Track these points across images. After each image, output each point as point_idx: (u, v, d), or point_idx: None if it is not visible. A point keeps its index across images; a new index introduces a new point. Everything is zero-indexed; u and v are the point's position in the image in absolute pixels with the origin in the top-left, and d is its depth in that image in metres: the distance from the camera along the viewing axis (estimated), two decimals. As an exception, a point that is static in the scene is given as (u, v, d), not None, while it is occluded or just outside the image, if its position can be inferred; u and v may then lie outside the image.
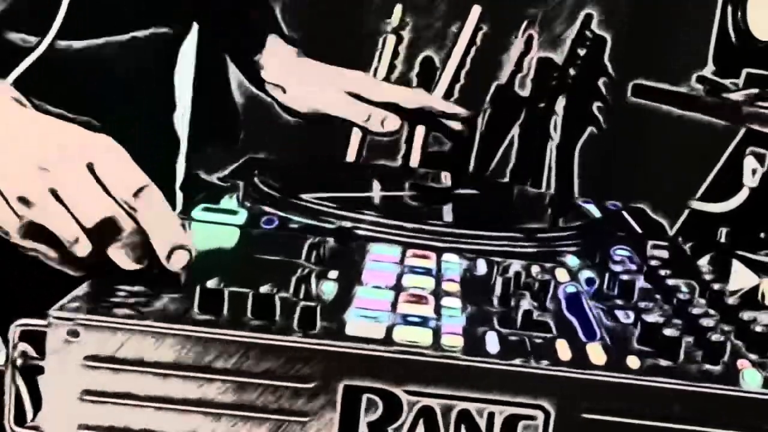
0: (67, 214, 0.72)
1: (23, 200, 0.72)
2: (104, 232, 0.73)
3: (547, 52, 1.54)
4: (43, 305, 0.68)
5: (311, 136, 1.46)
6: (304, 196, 0.98)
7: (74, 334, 0.67)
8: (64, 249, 0.73)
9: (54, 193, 0.72)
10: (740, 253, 1.20)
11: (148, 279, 0.74)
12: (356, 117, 1.22)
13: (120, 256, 0.74)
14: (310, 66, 1.26)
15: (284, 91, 1.24)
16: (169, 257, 0.74)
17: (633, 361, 0.70)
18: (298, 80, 1.25)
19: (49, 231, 0.72)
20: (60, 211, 0.72)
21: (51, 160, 0.72)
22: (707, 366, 0.71)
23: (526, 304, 0.77)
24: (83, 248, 0.72)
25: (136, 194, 0.73)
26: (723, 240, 1.23)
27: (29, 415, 0.68)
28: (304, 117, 1.25)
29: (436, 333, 0.71)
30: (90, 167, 0.73)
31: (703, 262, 1.13)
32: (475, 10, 1.47)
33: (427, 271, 0.85)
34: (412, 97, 1.26)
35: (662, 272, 0.88)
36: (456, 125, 1.27)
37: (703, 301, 0.83)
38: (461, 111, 1.28)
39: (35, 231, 0.73)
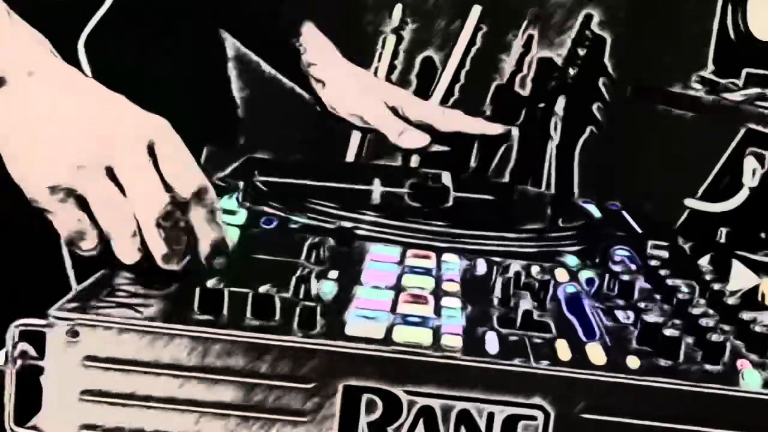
0: (119, 194, 0.71)
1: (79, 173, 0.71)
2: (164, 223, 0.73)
3: (547, 52, 1.54)
4: (43, 305, 0.68)
5: (311, 136, 1.46)
6: (304, 196, 0.98)
7: (74, 334, 0.67)
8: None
9: (110, 171, 0.71)
10: (740, 253, 1.20)
11: (147, 276, 0.74)
12: (390, 131, 1.20)
13: (157, 242, 0.73)
14: (350, 68, 1.25)
15: (324, 86, 1.23)
16: (207, 259, 0.75)
17: (633, 361, 0.70)
18: (339, 80, 1.23)
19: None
20: (113, 191, 0.71)
21: (110, 138, 0.72)
22: (707, 366, 0.71)
23: (526, 304, 0.77)
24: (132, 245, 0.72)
25: (195, 194, 0.73)
26: (723, 240, 1.23)
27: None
28: (338, 119, 1.24)
29: (436, 333, 0.71)
30: (150, 149, 0.72)
31: (703, 262, 1.13)
32: (475, 10, 1.47)
33: (427, 271, 0.85)
34: (448, 120, 1.23)
35: (662, 272, 0.88)
36: (496, 129, 1.24)
37: (703, 301, 0.83)
38: (496, 130, 1.25)
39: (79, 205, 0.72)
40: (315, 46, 1.24)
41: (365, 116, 1.21)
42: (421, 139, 1.20)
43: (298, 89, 1.32)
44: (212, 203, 0.75)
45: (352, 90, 1.23)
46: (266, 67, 1.51)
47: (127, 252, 0.73)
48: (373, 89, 1.23)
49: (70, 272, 0.92)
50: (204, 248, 0.75)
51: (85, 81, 0.78)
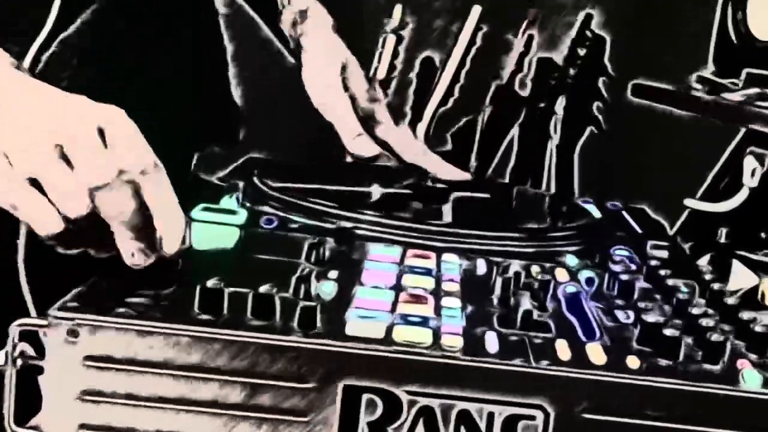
0: (69, 170, 0.72)
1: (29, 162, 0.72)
2: (104, 197, 0.72)
3: (547, 52, 1.54)
4: (43, 305, 0.68)
5: (311, 135, 1.46)
6: (304, 196, 0.98)
7: (74, 334, 0.67)
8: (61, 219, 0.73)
9: (60, 150, 0.72)
10: (740, 253, 1.20)
11: (146, 273, 0.74)
12: (345, 132, 1.17)
13: (118, 226, 0.74)
14: (338, 53, 1.22)
15: (303, 64, 1.20)
16: (163, 240, 0.75)
17: (633, 361, 0.70)
18: (319, 62, 1.20)
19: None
20: (62, 168, 0.72)
21: (61, 121, 0.72)
22: (707, 366, 0.71)
23: (526, 304, 0.77)
24: (81, 205, 0.72)
25: (143, 168, 0.73)
26: (723, 240, 1.23)
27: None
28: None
29: (436, 333, 0.71)
30: (101, 131, 0.73)
31: (703, 262, 1.13)
32: (475, 10, 1.47)
33: (427, 271, 0.85)
34: (412, 151, 1.19)
35: (662, 272, 0.88)
36: (458, 175, 1.19)
37: (702, 301, 0.83)
38: (459, 177, 1.19)
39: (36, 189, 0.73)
40: (312, 20, 1.22)
41: (326, 109, 1.19)
42: (372, 149, 1.17)
43: (298, 89, 1.32)
44: (164, 184, 0.75)
45: (327, 78, 1.20)
46: (265, 68, 1.51)
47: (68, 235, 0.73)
48: (355, 89, 1.21)
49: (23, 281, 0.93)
50: (160, 230, 0.75)
51: (36, 84, 0.78)
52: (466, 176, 1.19)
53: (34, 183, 0.72)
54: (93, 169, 0.72)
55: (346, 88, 1.18)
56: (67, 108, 0.75)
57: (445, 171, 1.18)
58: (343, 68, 1.20)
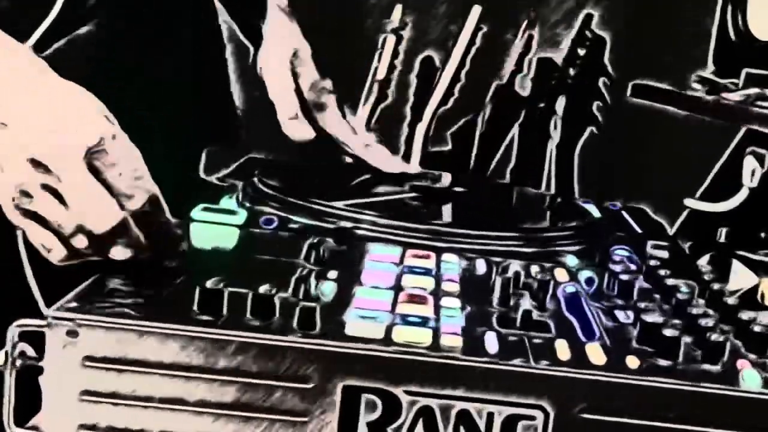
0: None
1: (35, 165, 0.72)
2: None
3: (547, 52, 1.54)
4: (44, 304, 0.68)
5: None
6: (303, 196, 0.98)
7: (74, 334, 0.67)
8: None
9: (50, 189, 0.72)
10: (740, 253, 1.20)
11: (147, 273, 0.75)
12: (283, 112, 1.17)
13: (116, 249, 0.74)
14: (293, 40, 1.22)
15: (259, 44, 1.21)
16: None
17: (633, 361, 0.70)
18: (273, 43, 1.20)
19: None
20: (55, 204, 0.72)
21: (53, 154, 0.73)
22: (707, 366, 0.71)
23: (526, 304, 0.77)
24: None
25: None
26: (723, 240, 1.23)
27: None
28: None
29: (436, 333, 0.71)
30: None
31: (703, 262, 1.13)
32: (475, 10, 1.47)
33: (426, 271, 0.85)
34: (353, 143, 1.20)
35: (662, 272, 0.88)
36: (401, 167, 1.19)
37: (702, 301, 0.83)
38: (402, 169, 1.19)
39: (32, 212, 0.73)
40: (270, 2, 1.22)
41: (269, 86, 1.20)
42: (307, 133, 1.18)
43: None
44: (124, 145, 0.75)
45: (275, 58, 1.20)
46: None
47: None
48: (304, 75, 1.21)
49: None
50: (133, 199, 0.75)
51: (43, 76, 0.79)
52: (408, 168, 1.20)
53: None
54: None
55: (294, 74, 1.19)
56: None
57: (389, 164, 1.19)
58: (294, 54, 1.20)
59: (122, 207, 0.74)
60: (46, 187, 0.72)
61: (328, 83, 1.20)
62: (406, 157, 1.35)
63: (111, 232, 0.73)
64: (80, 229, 0.73)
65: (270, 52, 1.20)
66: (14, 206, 0.73)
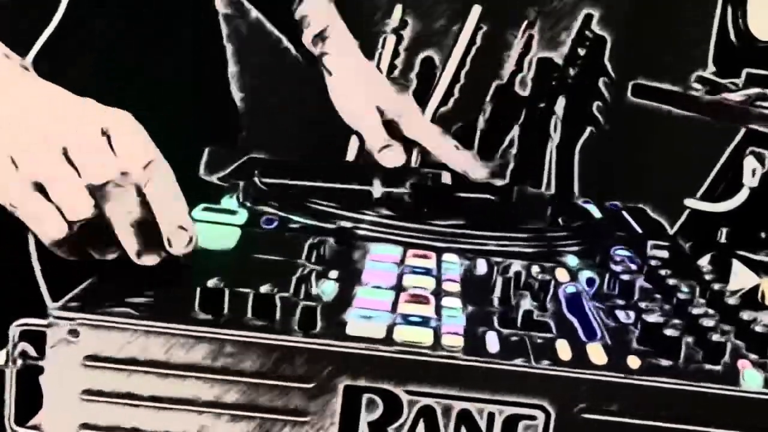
0: (73, 172, 0.72)
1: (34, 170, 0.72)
2: (107, 198, 0.72)
3: (547, 52, 1.54)
4: (43, 305, 0.68)
5: (311, 136, 1.46)
6: (304, 196, 0.98)
7: (74, 333, 0.67)
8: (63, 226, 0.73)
9: (64, 152, 0.72)
10: (740, 253, 1.20)
11: (148, 273, 0.74)
12: (374, 144, 1.18)
13: (122, 227, 0.74)
14: (361, 64, 1.23)
15: (330, 75, 1.21)
16: (170, 239, 0.75)
17: (633, 361, 0.70)
18: (345, 73, 1.22)
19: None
20: (67, 170, 0.72)
21: (63, 121, 0.72)
22: (707, 366, 0.71)
23: (527, 304, 0.77)
24: (85, 206, 0.72)
25: (145, 167, 0.73)
26: (723, 240, 1.23)
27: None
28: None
29: (437, 333, 0.71)
30: (105, 133, 0.73)
31: (703, 262, 1.13)
32: (475, 10, 1.48)
33: (427, 271, 0.85)
34: (438, 149, 1.20)
35: (662, 272, 0.88)
36: (481, 173, 1.18)
37: (703, 301, 0.83)
38: (481, 174, 1.19)
39: (41, 193, 0.73)
40: (334, 34, 1.23)
41: (354, 121, 1.20)
42: (401, 159, 1.18)
43: (298, 89, 1.32)
44: (166, 178, 0.75)
45: (353, 88, 1.22)
46: (266, 68, 1.51)
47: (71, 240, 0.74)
48: (375, 94, 1.22)
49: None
50: (164, 226, 0.75)
51: (43, 85, 0.78)
52: (488, 174, 1.20)
53: (40, 189, 0.72)
54: (95, 170, 0.72)
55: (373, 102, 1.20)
56: (73, 110, 0.75)
57: (475, 171, 1.18)
58: (366, 76, 1.22)
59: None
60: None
61: (396, 101, 1.21)
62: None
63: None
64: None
65: (348, 92, 1.21)
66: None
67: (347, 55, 1.22)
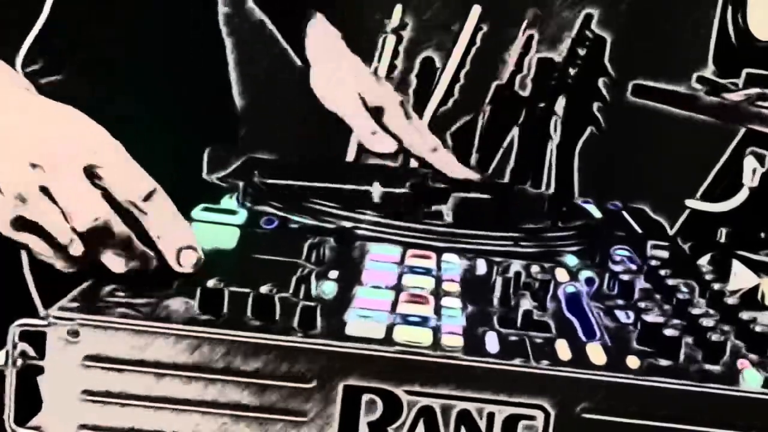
0: (60, 215, 0.72)
1: (18, 195, 0.72)
2: (98, 235, 0.73)
3: (547, 52, 1.54)
4: (43, 305, 0.68)
5: (311, 136, 1.46)
6: (304, 196, 0.98)
7: (74, 334, 0.67)
8: (55, 244, 0.73)
9: (46, 191, 0.72)
10: (740, 253, 1.20)
11: (147, 274, 0.75)
12: (362, 130, 1.18)
13: (112, 259, 0.74)
14: (347, 59, 1.24)
15: (311, 68, 1.22)
16: (177, 259, 0.75)
17: (633, 361, 0.70)
18: (329, 67, 1.22)
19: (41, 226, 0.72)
20: (53, 210, 0.72)
21: (49, 157, 0.72)
22: (707, 366, 0.71)
23: (526, 304, 0.77)
24: (76, 249, 0.72)
25: (145, 198, 0.73)
26: (723, 240, 1.23)
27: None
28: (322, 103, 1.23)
29: (436, 333, 0.71)
30: (89, 169, 0.73)
31: (703, 262, 1.13)
32: (475, 10, 1.48)
33: (427, 271, 0.85)
34: (427, 151, 1.20)
35: (662, 272, 0.88)
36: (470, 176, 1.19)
37: (703, 301, 0.83)
38: (469, 177, 1.19)
39: (27, 224, 0.73)
40: (319, 32, 1.23)
41: (340, 110, 1.20)
42: (391, 145, 1.18)
43: (298, 90, 1.32)
44: (167, 206, 0.75)
45: (339, 81, 1.21)
46: (266, 68, 1.51)
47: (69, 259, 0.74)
48: (362, 87, 1.22)
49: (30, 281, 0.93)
50: (168, 253, 0.75)
51: (26, 98, 0.78)
52: (474, 176, 1.20)
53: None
54: (82, 214, 0.72)
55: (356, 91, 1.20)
56: (57, 138, 0.74)
57: (456, 170, 1.18)
58: (350, 68, 1.21)
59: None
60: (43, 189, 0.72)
61: (388, 87, 1.21)
62: (406, 157, 1.35)
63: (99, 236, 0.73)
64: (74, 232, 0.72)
65: (328, 78, 1.21)
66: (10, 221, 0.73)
67: (332, 49, 1.23)
